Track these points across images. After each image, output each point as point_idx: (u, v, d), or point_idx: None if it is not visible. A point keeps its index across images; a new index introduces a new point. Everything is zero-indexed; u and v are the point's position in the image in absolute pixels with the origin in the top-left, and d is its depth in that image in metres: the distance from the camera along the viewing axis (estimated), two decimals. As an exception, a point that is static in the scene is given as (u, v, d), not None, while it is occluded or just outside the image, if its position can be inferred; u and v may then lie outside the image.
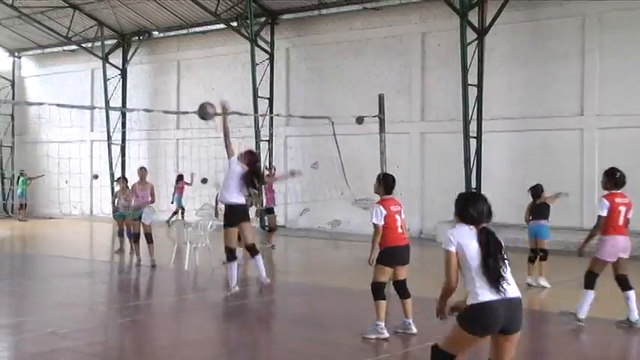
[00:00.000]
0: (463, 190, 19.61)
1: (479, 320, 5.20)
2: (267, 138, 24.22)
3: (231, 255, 11.24)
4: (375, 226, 8.76)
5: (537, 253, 13.13)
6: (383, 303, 8.84)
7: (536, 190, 13.43)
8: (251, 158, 11.35)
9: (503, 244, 5.39)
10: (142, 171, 16.22)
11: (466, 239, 5.34)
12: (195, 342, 8.89)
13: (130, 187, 17.01)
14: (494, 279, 5.18)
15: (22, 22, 29.07)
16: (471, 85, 19.77)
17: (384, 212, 8.80)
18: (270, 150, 24.20)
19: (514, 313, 5.25)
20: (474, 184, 19.77)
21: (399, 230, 8.89)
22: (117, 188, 18.21)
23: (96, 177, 26.59)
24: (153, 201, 16.02)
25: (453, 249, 5.33)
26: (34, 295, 12.68)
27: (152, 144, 28.33)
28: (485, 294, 5.18)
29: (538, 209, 13.27)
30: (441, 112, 21.67)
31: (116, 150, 28.67)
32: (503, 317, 5.18)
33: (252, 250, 11.13)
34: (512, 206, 19.82)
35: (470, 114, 19.82)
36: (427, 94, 21.98)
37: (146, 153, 27.81)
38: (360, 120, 16.32)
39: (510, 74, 20.43)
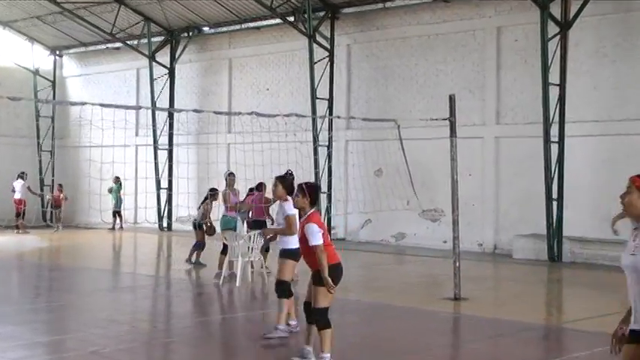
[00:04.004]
0: (543, 200, 19.39)
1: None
2: (326, 143, 24.30)
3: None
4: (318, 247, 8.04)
5: None
6: None
7: None
8: None
9: None
10: (231, 177, 16.60)
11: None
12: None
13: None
14: None
15: (64, 19, 29.71)
16: (552, 84, 19.55)
17: (321, 230, 8.17)
18: (329, 155, 24.24)
19: None
20: (554, 194, 19.50)
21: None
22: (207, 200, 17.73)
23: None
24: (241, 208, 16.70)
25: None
26: (76, 311, 12.93)
27: (201, 149, 28.60)
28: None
29: None
30: (519, 114, 21.47)
31: (162, 155, 28.98)
32: None
33: None
34: (596, 218, 19.52)
35: (551, 116, 19.59)
36: (503, 94, 21.79)
37: (195, 158, 28.13)
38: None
39: (596, 72, 20.13)
